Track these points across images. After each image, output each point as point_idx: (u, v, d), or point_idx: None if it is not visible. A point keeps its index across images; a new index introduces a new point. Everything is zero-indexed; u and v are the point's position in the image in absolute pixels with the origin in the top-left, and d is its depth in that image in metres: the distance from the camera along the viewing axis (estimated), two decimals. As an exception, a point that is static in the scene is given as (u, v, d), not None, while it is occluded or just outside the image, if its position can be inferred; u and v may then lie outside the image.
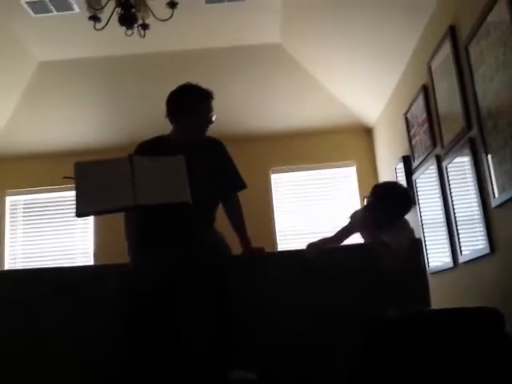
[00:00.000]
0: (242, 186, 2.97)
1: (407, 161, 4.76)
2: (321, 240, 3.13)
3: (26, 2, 4.53)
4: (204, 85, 2.89)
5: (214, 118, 2.87)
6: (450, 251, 3.78)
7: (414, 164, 4.57)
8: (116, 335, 2.71)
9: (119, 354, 2.67)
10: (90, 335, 2.79)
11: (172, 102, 2.87)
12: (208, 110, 2.85)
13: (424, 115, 4.17)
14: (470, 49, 3.21)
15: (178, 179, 2.52)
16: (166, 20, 3.80)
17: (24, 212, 6.37)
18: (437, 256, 4.15)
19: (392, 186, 3.39)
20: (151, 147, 2.83)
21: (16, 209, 6.35)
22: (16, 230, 6.30)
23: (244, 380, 2.52)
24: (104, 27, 3.81)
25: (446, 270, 3.92)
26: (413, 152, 4.59)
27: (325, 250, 2.95)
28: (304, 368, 2.74)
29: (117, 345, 2.70)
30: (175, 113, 2.85)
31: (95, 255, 6.07)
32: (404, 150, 4.85)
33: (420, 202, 4.49)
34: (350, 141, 6.27)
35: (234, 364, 2.59)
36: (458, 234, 3.66)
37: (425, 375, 2.24)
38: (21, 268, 5.94)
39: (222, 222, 2.93)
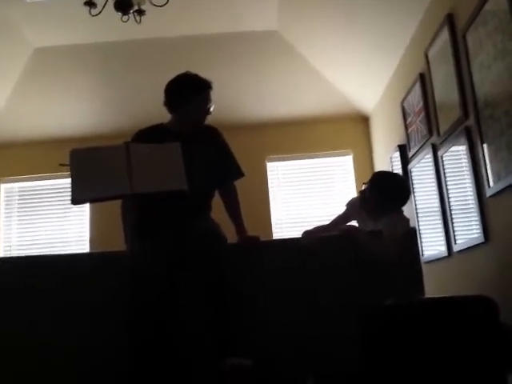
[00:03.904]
0: (239, 174, 2.97)
1: (403, 150, 4.76)
2: (316, 228, 3.14)
3: (21, -13, 4.49)
4: (200, 71, 2.88)
5: (212, 108, 2.87)
6: (445, 240, 3.79)
7: (410, 153, 4.57)
8: (113, 323, 2.73)
9: (116, 342, 2.68)
10: (86, 323, 2.79)
11: (170, 92, 2.85)
12: (206, 100, 2.84)
13: (421, 104, 4.16)
14: (468, 37, 3.20)
15: (174, 166, 2.52)
16: (162, 6, 3.77)
17: (19, 199, 6.34)
18: (431, 245, 4.17)
19: (392, 175, 3.40)
20: (149, 135, 2.82)
21: (11, 196, 6.33)
22: (11, 217, 6.29)
23: (239, 367, 2.53)
24: (99, 13, 3.78)
25: (440, 258, 3.93)
26: (409, 141, 4.59)
27: (320, 238, 2.96)
28: (300, 356, 2.75)
29: (113, 332, 2.71)
30: (173, 102, 2.85)
31: (91, 242, 6.07)
32: (400, 138, 4.85)
33: (415, 190, 4.49)
34: (346, 129, 6.25)
35: (229, 351, 2.60)
36: (452, 223, 3.67)
37: (419, 364, 2.25)
38: (16, 256, 5.92)
39: (217, 212, 2.93)
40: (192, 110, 2.83)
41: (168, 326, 2.64)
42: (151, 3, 3.80)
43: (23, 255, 5.75)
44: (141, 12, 3.85)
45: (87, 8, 3.70)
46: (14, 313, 2.83)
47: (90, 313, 2.80)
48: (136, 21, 3.87)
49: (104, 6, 3.77)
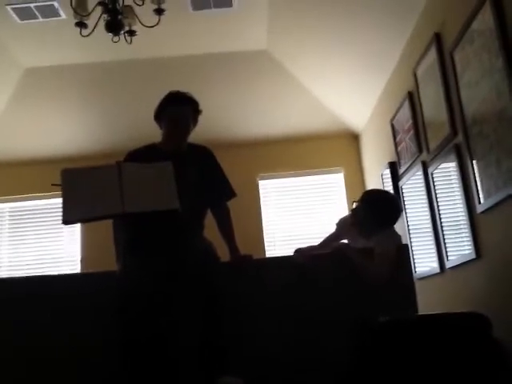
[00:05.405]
0: (231, 194, 2.98)
1: (394, 167, 4.79)
2: (308, 247, 3.14)
3: (12, 8, 4.51)
4: (190, 91, 2.90)
5: (184, 124, 2.86)
6: (437, 257, 3.80)
7: (401, 170, 4.59)
8: (104, 343, 2.70)
9: (107, 363, 2.66)
10: (77, 345, 2.76)
11: (157, 106, 2.92)
12: (171, 115, 2.86)
13: (410, 121, 4.20)
14: (455, 55, 3.24)
15: (166, 186, 2.51)
16: (153, 26, 3.79)
17: (10, 219, 6.30)
18: (424, 261, 4.18)
19: (383, 193, 3.41)
20: (141, 155, 2.82)
21: (2, 216, 6.29)
22: (2, 237, 6.24)
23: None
24: (90, 33, 3.79)
25: (432, 275, 3.94)
26: (399, 158, 4.62)
27: (313, 255, 2.96)
28: (291, 373, 2.73)
29: (104, 355, 2.68)
30: (156, 115, 2.92)
31: (82, 263, 6.03)
32: (390, 156, 4.88)
33: (406, 207, 4.51)
34: (337, 147, 6.29)
35: (221, 370, 2.58)
36: (444, 239, 3.68)
37: (412, 380, 2.24)
38: (6, 276, 5.86)
39: (210, 229, 2.93)
40: (166, 122, 2.87)
41: (161, 344, 2.62)
42: (142, 24, 3.83)
43: (13, 276, 5.69)
44: (132, 33, 3.86)
45: (78, 28, 3.71)
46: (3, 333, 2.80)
47: (81, 335, 2.77)
48: (127, 41, 3.89)
49: (95, 27, 3.79)
